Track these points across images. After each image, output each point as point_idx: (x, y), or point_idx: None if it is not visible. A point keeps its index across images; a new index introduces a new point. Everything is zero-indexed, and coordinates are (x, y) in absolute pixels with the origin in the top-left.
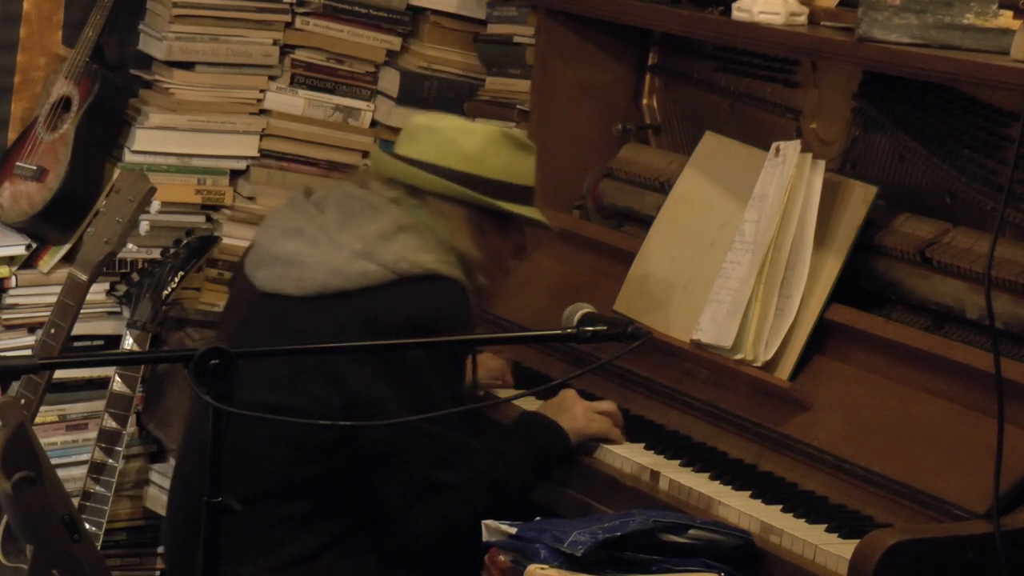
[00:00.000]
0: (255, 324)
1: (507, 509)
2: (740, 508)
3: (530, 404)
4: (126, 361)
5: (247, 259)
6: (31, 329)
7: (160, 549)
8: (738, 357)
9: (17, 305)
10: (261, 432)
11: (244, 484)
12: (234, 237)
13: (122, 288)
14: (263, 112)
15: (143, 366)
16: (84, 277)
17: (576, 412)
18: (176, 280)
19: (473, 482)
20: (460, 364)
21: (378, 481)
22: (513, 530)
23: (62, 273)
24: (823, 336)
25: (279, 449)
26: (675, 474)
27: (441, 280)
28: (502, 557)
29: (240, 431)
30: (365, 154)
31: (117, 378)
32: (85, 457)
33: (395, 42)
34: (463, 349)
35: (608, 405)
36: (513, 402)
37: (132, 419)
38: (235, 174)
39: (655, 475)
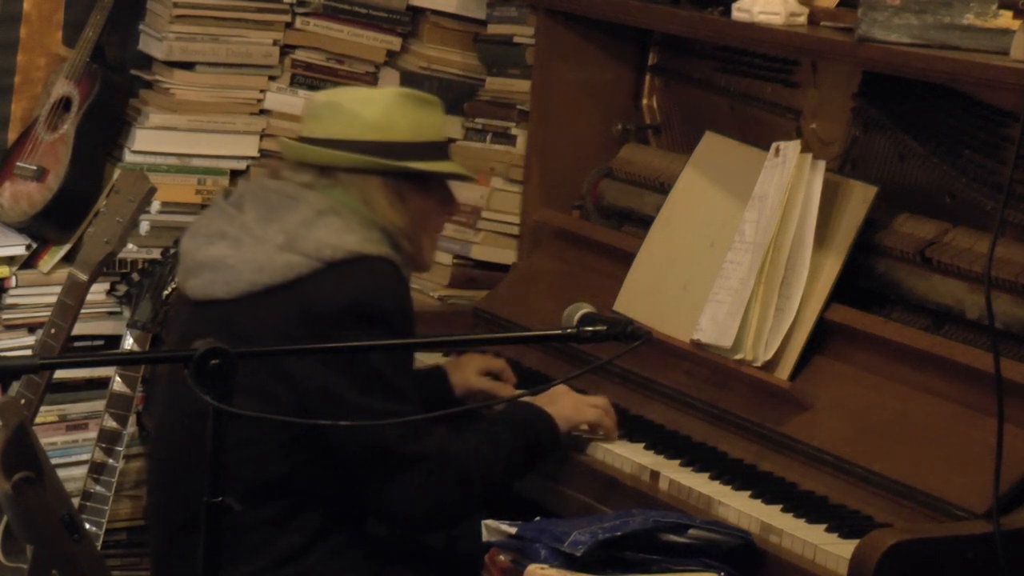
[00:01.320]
0: (194, 333)
1: (499, 497)
2: (740, 508)
3: None
4: (126, 361)
5: (178, 271)
6: (31, 329)
7: None
8: (738, 357)
9: (17, 305)
10: (229, 437)
11: (219, 489)
12: None
13: (122, 288)
14: (263, 112)
15: (143, 366)
16: (84, 277)
17: (565, 401)
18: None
19: (447, 454)
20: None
21: (351, 467)
22: (513, 530)
23: (62, 273)
24: (823, 336)
25: (247, 452)
26: (675, 474)
27: (368, 260)
28: (502, 557)
29: (204, 438)
30: None
31: (117, 378)
32: (85, 457)
33: (395, 42)
34: (412, 327)
35: (599, 399)
36: None
37: (132, 419)
38: (235, 174)
39: (655, 475)
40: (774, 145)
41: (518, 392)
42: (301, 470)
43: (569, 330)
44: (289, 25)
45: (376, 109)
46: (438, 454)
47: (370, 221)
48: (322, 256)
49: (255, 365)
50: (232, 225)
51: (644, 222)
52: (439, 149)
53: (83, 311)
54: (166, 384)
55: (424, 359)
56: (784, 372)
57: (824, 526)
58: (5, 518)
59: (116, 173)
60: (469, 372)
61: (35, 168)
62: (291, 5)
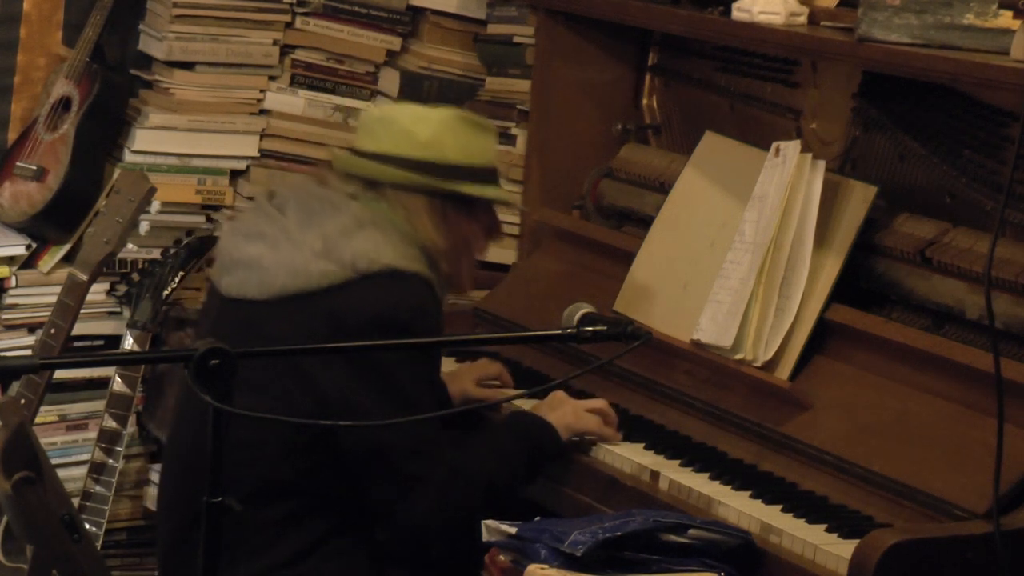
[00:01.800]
0: (222, 329)
1: (501, 505)
2: (740, 508)
3: (527, 405)
4: (126, 361)
5: (213, 266)
6: (31, 329)
7: None
8: (738, 357)
9: (17, 305)
10: (238, 436)
11: (226, 488)
12: None
13: (122, 288)
14: (263, 112)
15: (143, 366)
16: (84, 277)
17: (565, 409)
18: (176, 280)
19: (456, 472)
20: (432, 356)
21: (360, 477)
22: (513, 530)
23: (62, 273)
24: (823, 336)
25: (257, 452)
26: (675, 474)
27: (402, 276)
28: (502, 557)
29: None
30: None
31: (117, 378)
32: (85, 457)
33: (395, 42)
34: (438, 346)
35: (599, 403)
36: (512, 402)
37: (132, 419)
38: (235, 174)
39: (655, 475)
40: (774, 145)
41: (517, 392)
42: (306, 474)
43: (569, 330)
44: (289, 25)
45: (429, 128)
46: (448, 473)
47: (410, 238)
48: (357, 267)
49: (278, 367)
50: (272, 227)
51: (644, 222)
52: (489, 174)
53: (83, 311)
54: (179, 382)
55: None
56: (784, 372)
57: (824, 526)
58: (5, 518)
59: (116, 173)
60: (467, 383)
61: (35, 168)
62: (291, 5)
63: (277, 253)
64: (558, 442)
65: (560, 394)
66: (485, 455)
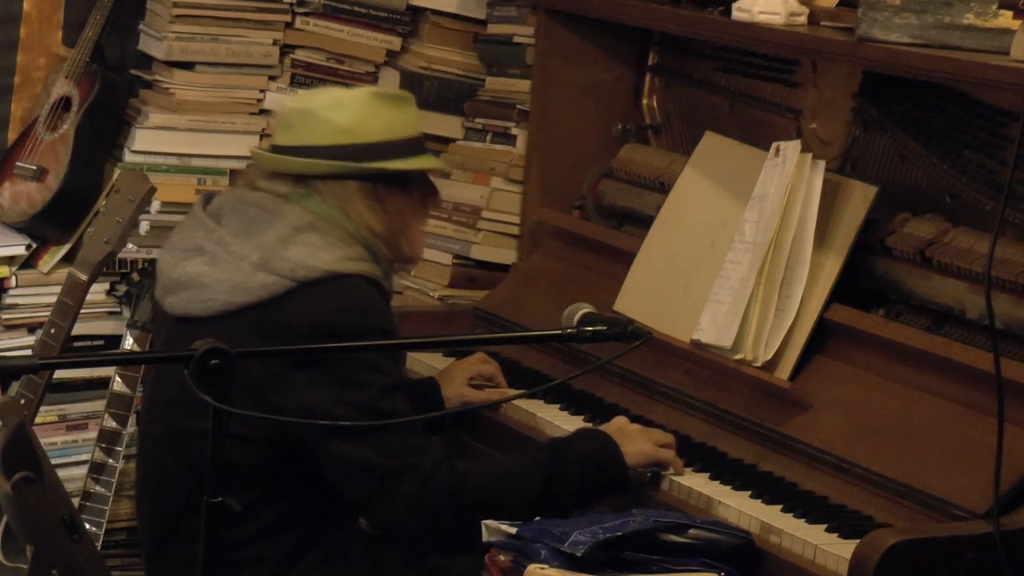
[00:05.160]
0: (175, 348)
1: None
2: (740, 508)
3: (534, 405)
4: (126, 361)
5: (155, 285)
6: (31, 329)
7: None
8: (738, 357)
9: (17, 305)
10: (187, 461)
11: (193, 514)
12: None
13: (122, 288)
14: (263, 112)
15: (143, 366)
16: (84, 277)
17: (634, 435)
18: None
19: (444, 465)
20: (392, 353)
21: (337, 483)
22: (513, 530)
23: (62, 273)
24: (823, 336)
25: (228, 470)
26: (675, 474)
27: (342, 279)
28: (502, 557)
29: (172, 461)
30: None
31: (117, 378)
32: (85, 457)
33: (395, 42)
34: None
35: (669, 438)
36: (515, 403)
37: (132, 419)
38: (235, 174)
39: (655, 475)
40: (774, 145)
41: (517, 392)
42: (273, 496)
43: (569, 330)
44: (289, 25)
45: (347, 112)
46: (432, 465)
47: (349, 234)
48: (296, 276)
49: (236, 398)
50: (209, 240)
51: (644, 222)
52: (415, 145)
53: (83, 311)
54: (147, 398)
55: (424, 358)
56: (784, 372)
57: (824, 526)
58: (5, 518)
59: (116, 173)
60: (460, 385)
61: (35, 168)
62: (291, 5)
63: (217, 269)
64: (621, 466)
65: (623, 420)
66: (503, 462)
